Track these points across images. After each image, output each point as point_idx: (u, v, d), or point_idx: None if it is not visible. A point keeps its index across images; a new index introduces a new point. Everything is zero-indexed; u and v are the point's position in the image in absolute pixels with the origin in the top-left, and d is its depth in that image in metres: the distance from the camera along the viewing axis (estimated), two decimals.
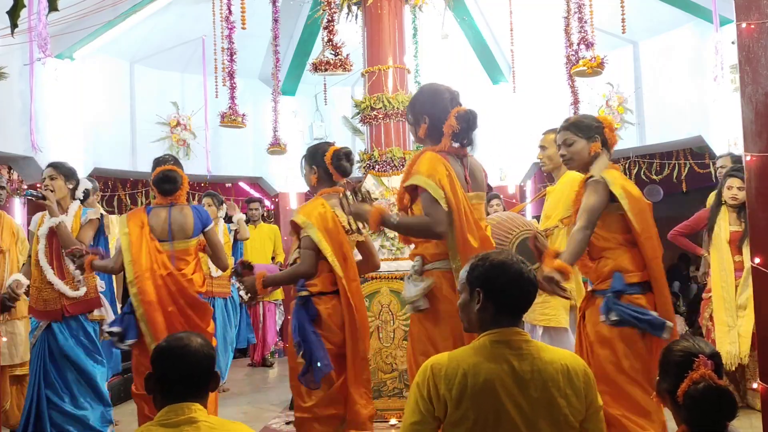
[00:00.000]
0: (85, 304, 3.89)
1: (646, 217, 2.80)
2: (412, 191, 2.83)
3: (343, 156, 3.28)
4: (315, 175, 3.33)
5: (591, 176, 2.83)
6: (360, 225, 3.22)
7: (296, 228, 3.22)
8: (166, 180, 3.65)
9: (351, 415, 3.18)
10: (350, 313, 3.17)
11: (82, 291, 3.86)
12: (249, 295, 3.31)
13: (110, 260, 3.71)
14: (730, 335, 4.41)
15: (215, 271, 5.60)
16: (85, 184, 4.15)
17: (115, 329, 3.53)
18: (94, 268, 3.65)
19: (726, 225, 4.60)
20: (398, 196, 2.95)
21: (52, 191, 3.86)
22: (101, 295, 4.02)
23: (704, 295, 4.90)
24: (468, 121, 2.78)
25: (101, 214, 4.03)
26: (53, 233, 3.84)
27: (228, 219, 6.44)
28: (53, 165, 4.03)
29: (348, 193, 2.93)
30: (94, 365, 3.92)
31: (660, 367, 1.91)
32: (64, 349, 3.82)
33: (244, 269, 3.33)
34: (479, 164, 2.97)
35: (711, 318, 4.67)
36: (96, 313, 3.99)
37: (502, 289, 1.82)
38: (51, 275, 3.83)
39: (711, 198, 5.50)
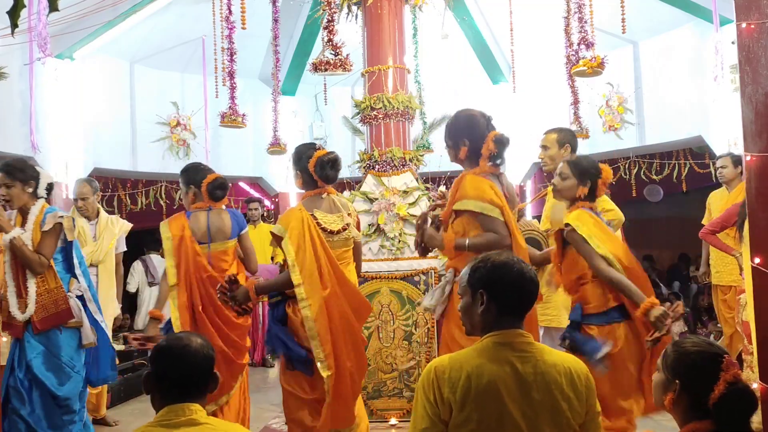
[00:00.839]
0: (56, 317, 3.49)
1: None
2: (458, 211, 2.98)
3: (327, 164, 3.24)
4: (300, 180, 3.37)
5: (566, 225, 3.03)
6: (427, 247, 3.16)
7: (276, 238, 3.20)
8: (222, 187, 3.73)
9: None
10: (318, 327, 3.07)
11: (29, 313, 3.43)
12: (243, 306, 3.39)
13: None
14: None
15: None
16: (46, 179, 3.66)
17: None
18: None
19: None
20: (445, 214, 3.09)
21: (7, 200, 3.51)
22: (76, 300, 3.59)
23: (739, 297, 4.73)
24: (503, 144, 3.02)
25: (60, 217, 3.54)
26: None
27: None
28: (4, 170, 3.50)
29: (425, 219, 3.07)
30: (59, 386, 3.50)
31: (672, 370, 1.83)
32: (31, 365, 3.47)
33: (231, 285, 3.33)
34: (509, 182, 3.17)
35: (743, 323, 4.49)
36: (72, 321, 3.56)
37: (504, 290, 1.82)
38: (11, 292, 3.47)
39: (711, 197, 5.51)
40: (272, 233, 3.21)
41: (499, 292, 1.82)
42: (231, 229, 3.75)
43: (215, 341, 3.48)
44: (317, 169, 3.23)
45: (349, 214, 3.35)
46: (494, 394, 1.71)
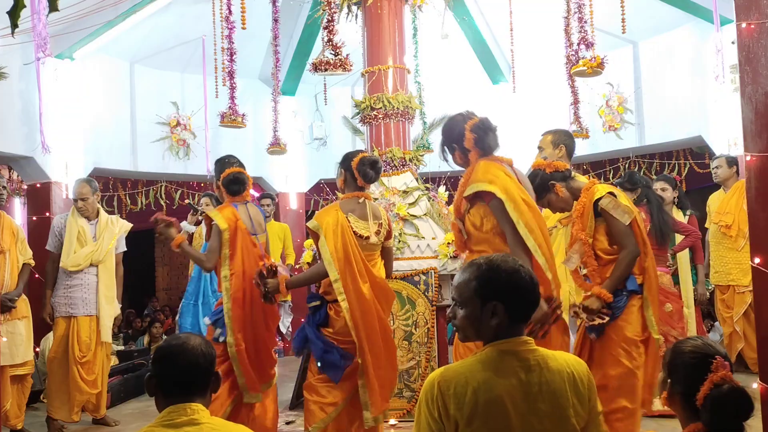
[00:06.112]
0: None
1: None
2: (471, 199, 2.94)
3: (368, 163, 3.42)
4: (342, 178, 3.50)
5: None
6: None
7: (312, 233, 3.39)
8: (236, 181, 3.77)
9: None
10: (353, 317, 3.23)
11: None
12: (271, 297, 3.46)
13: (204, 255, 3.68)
14: None
15: None
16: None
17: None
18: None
19: None
20: (455, 205, 3.07)
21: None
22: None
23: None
24: (483, 129, 2.95)
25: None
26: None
27: None
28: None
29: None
30: None
31: (669, 368, 1.86)
32: None
33: (269, 273, 3.44)
34: (520, 170, 3.11)
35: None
36: None
37: (519, 300, 1.76)
38: None
39: (711, 200, 5.52)
40: (307, 227, 3.39)
41: (514, 303, 1.76)
42: (264, 222, 3.88)
43: (262, 332, 3.64)
44: (359, 167, 3.40)
45: (380, 224, 3.46)
46: (501, 408, 1.68)
